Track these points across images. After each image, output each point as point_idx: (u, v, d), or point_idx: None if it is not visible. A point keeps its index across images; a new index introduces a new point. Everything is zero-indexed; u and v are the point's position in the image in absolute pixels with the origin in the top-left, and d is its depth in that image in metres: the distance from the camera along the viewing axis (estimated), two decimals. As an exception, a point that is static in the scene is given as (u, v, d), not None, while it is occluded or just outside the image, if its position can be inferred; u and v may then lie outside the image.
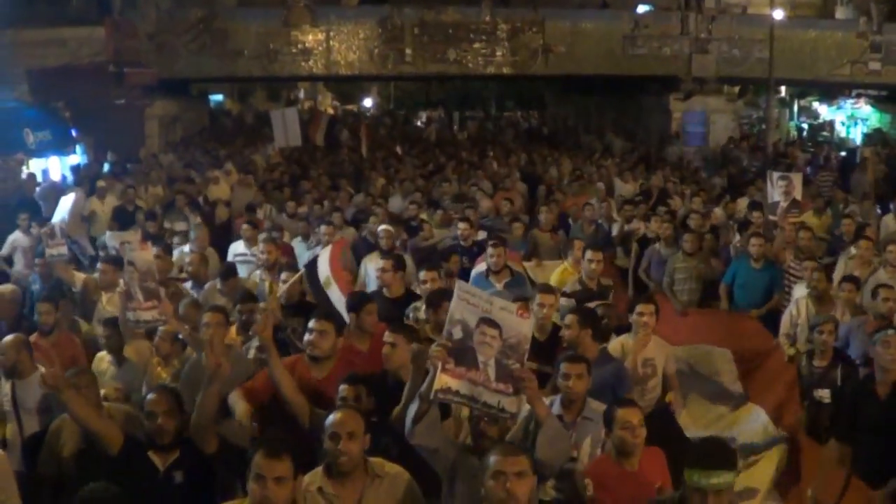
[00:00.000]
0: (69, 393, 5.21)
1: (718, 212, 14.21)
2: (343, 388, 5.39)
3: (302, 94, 51.22)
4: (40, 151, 17.08)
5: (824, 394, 7.22)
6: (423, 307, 7.66)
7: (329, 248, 9.35)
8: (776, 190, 12.50)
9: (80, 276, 9.46)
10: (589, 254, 8.92)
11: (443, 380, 4.70)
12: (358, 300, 7.05)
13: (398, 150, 25.76)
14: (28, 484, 5.79)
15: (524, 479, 4.09)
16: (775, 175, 12.97)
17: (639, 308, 7.20)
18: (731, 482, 4.02)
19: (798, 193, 12.33)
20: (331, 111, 42.48)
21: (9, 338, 6.66)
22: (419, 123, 44.67)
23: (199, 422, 5.17)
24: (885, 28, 27.78)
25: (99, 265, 9.08)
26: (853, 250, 10.18)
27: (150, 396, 5.24)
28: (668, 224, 11.63)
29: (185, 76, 27.91)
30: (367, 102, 53.72)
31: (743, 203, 14.41)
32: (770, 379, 7.37)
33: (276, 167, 20.37)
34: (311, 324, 6.11)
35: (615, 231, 12.80)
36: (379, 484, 4.62)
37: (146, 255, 7.88)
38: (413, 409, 4.87)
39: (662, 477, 5.13)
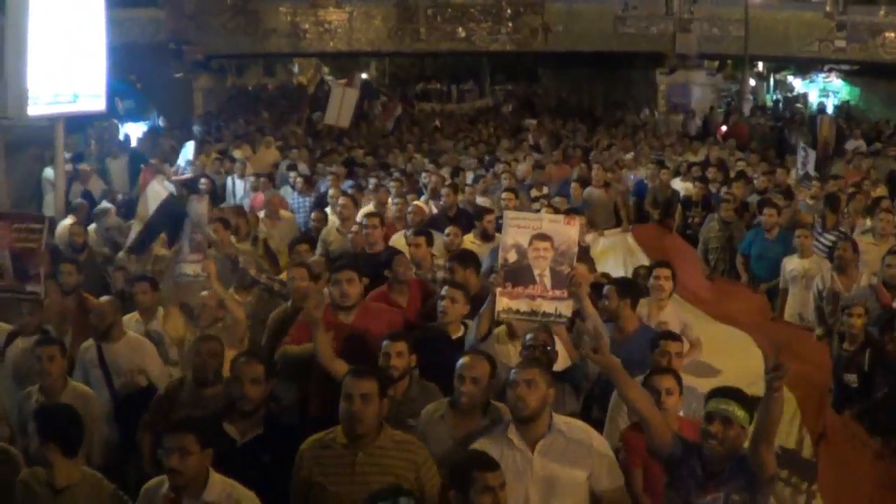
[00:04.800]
0: None
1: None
2: (385, 343, 5.25)
3: (297, 69, 50.61)
4: (127, 118, 19.43)
5: (851, 378, 6.91)
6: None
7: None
8: (798, 159, 12.73)
9: None
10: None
11: (503, 302, 5.24)
12: (387, 256, 7.24)
13: (437, 123, 26.38)
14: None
15: (532, 386, 4.41)
16: (800, 145, 13.25)
17: (655, 271, 7.07)
18: (739, 417, 4.14)
19: (811, 168, 12.36)
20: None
21: (105, 299, 6.49)
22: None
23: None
24: (850, 10, 28.90)
25: None
26: (868, 223, 9.75)
27: (240, 360, 4.96)
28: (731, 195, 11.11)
29: (223, 53, 29.54)
30: (363, 77, 54.53)
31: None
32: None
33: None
34: (338, 275, 6.11)
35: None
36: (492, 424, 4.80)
37: (201, 207, 7.60)
38: (475, 327, 5.43)
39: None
